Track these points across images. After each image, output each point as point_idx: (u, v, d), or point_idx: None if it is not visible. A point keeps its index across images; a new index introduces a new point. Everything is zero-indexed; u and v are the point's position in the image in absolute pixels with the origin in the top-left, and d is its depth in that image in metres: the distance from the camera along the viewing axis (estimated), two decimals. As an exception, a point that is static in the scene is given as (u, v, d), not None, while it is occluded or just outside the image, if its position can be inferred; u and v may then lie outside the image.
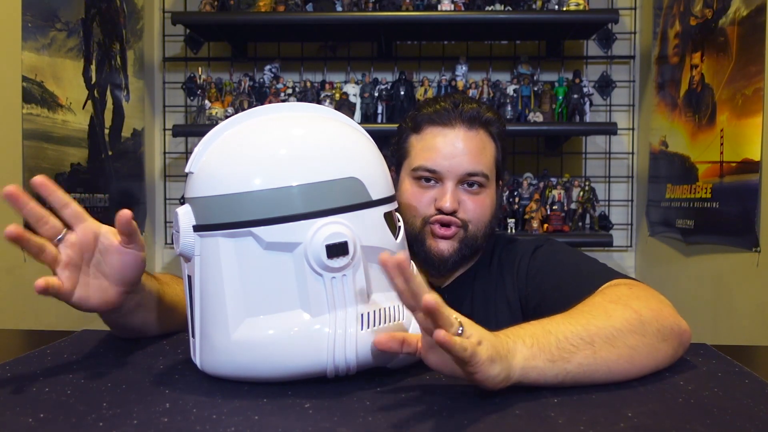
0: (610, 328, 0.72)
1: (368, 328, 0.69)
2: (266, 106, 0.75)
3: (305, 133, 0.72)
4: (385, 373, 0.72)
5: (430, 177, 1.08)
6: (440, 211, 1.07)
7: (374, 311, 0.70)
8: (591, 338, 0.70)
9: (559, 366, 0.67)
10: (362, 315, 0.69)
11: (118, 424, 0.58)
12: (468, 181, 1.08)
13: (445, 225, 1.08)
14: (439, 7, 2.25)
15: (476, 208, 1.09)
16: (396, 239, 0.74)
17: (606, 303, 0.77)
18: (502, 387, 0.64)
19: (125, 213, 0.73)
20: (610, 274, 0.94)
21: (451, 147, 1.07)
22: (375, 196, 0.71)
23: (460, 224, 1.08)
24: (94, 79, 2.08)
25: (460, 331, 0.60)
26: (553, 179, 2.43)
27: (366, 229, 0.70)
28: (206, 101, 2.36)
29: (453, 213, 1.07)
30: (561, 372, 0.67)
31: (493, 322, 1.06)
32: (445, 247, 1.08)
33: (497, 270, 1.14)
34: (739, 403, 0.65)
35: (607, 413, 0.61)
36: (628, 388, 0.70)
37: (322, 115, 0.76)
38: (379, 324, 0.70)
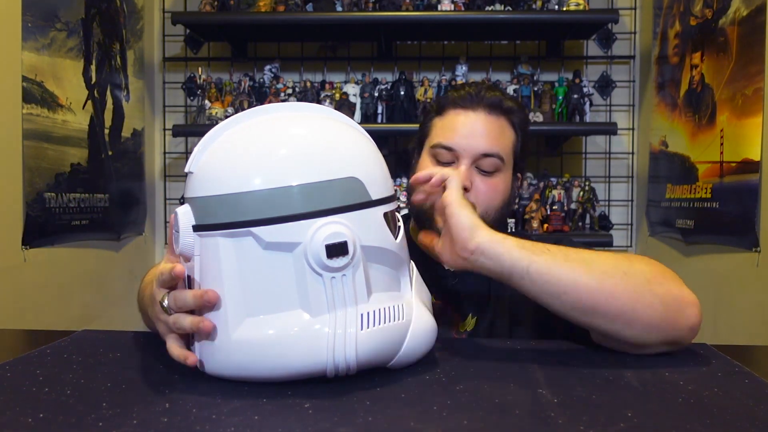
0: (592, 255, 0.75)
1: (368, 328, 0.69)
2: (266, 106, 0.75)
3: (305, 133, 0.71)
4: (385, 373, 0.72)
5: (446, 155, 1.09)
6: None
7: (374, 311, 0.70)
8: (567, 253, 0.73)
9: (525, 254, 0.71)
10: (362, 315, 0.69)
11: (118, 424, 0.58)
12: (483, 162, 1.08)
13: None
14: (439, 7, 2.26)
15: (488, 191, 1.09)
16: (396, 239, 0.74)
17: (608, 253, 0.80)
18: (470, 250, 0.70)
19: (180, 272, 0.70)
20: None
21: (470, 128, 1.09)
22: (375, 196, 0.71)
23: None
24: (94, 79, 2.08)
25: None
26: (553, 179, 2.43)
27: (366, 229, 0.70)
28: (206, 101, 2.36)
29: (464, 191, 1.08)
30: (525, 258, 0.70)
31: (507, 302, 1.09)
32: None
33: None
34: (739, 403, 0.65)
35: (607, 413, 0.61)
36: (628, 388, 0.70)
37: (322, 115, 0.76)
38: (379, 324, 0.70)
